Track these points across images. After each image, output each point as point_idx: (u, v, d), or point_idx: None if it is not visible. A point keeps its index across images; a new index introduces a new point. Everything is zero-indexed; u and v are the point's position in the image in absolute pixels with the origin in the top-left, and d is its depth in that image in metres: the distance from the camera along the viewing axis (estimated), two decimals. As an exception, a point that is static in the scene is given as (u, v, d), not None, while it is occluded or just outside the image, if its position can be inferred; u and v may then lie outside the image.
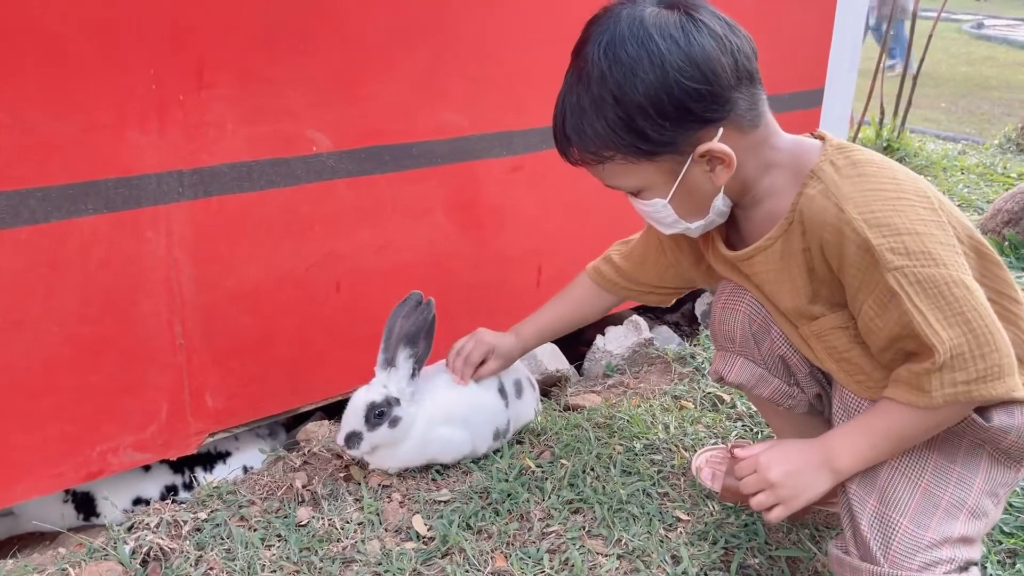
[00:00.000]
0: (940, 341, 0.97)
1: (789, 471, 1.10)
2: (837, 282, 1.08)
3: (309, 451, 1.58)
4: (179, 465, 1.58)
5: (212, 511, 1.41)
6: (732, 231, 1.24)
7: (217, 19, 1.34)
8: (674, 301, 1.54)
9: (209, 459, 1.61)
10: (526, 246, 1.87)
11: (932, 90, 7.29)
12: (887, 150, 3.96)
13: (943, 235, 0.99)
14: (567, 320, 1.57)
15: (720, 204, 1.12)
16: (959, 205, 3.26)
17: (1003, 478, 1.10)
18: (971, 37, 12.41)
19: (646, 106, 1.01)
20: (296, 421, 1.76)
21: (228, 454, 1.63)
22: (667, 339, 2.18)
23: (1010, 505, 1.42)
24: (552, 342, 1.98)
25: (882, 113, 4.14)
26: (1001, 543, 1.33)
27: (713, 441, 1.62)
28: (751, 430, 1.67)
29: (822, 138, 1.12)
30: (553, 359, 1.97)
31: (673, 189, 1.09)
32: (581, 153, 1.09)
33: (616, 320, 2.13)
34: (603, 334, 2.09)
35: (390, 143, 1.57)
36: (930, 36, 4.01)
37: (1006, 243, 2.63)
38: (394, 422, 1.41)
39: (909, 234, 0.98)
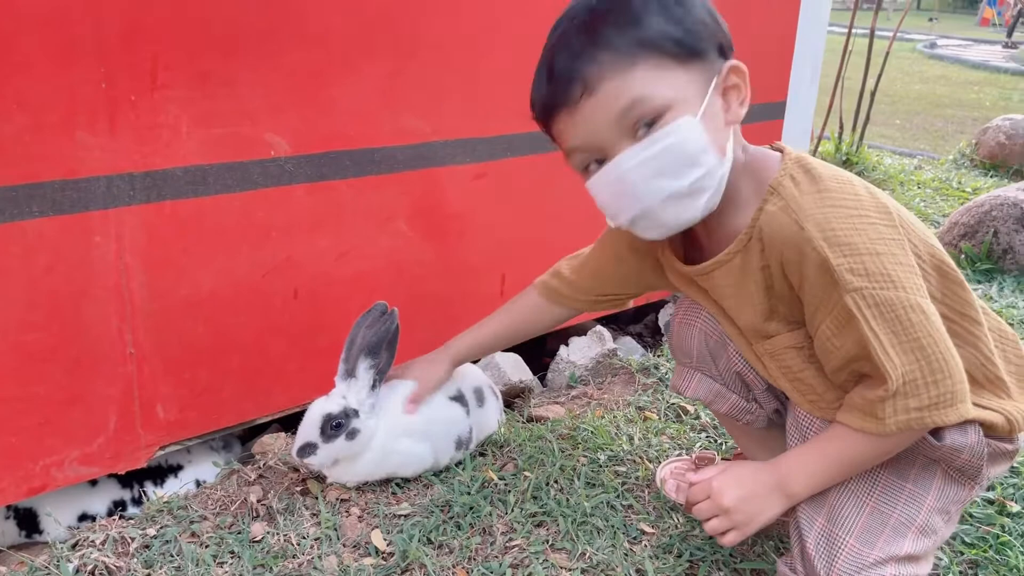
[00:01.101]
0: (893, 367, 0.97)
1: (742, 496, 1.09)
2: (796, 300, 1.07)
3: (265, 464, 1.53)
4: (128, 479, 1.52)
5: (162, 527, 1.35)
6: (689, 245, 1.22)
7: (173, 17, 1.30)
8: (631, 304, 1.52)
9: (160, 473, 1.55)
10: (490, 254, 1.85)
11: (888, 107, 7.43)
12: (846, 164, 4.01)
13: (902, 255, 0.99)
14: (509, 335, 1.53)
15: (730, 153, 1.03)
16: (916, 219, 3.31)
17: (956, 495, 1.10)
18: (925, 57, 12.71)
19: (687, 3, 0.99)
20: (252, 433, 1.71)
21: (180, 467, 1.57)
22: (631, 350, 2.17)
23: (970, 516, 1.42)
24: (516, 353, 1.96)
25: (841, 128, 4.20)
26: (963, 554, 1.33)
27: (677, 452, 1.60)
28: (715, 441, 1.66)
29: (781, 151, 1.10)
30: (516, 370, 1.94)
31: (704, 105, 0.98)
32: (606, 55, 0.96)
33: (580, 331, 2.11)
34: (567, 344, 2.07)
35: (351, 148, 1.54)
36: (886, 55, 4.08)
37: (962, 256, 2.67)
38: (352, 434, 1.37)
39: (869, 254, 0.97)
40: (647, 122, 0.97)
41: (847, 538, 1.05)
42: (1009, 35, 14.54)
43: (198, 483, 1.55)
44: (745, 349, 1.21)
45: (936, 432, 1.06)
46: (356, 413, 1.38)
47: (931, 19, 18.94)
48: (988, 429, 1.09)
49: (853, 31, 3.97)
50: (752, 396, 1.28)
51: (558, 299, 1.46)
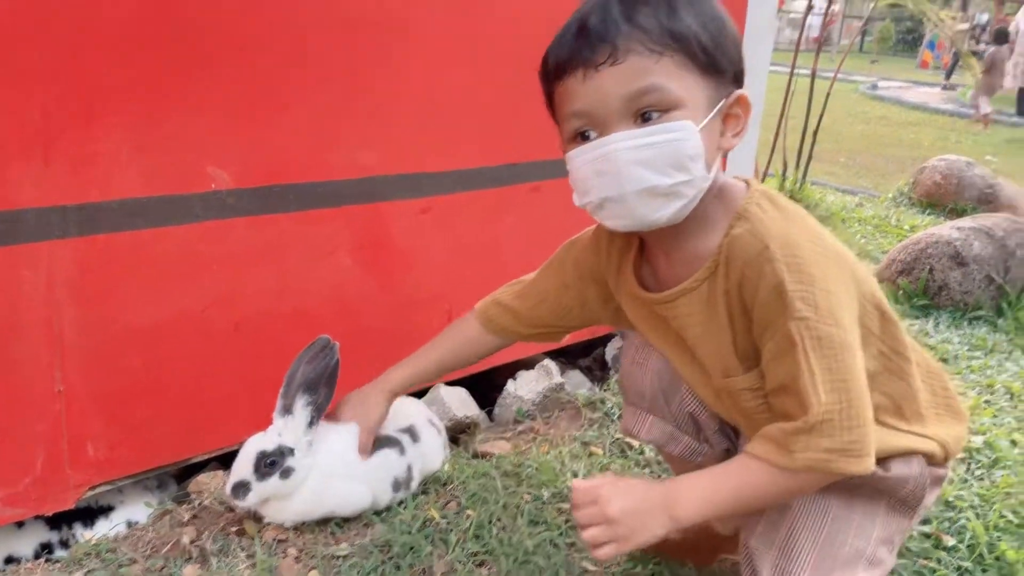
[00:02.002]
0: (818, 401, 0.97)
1: (628, 509, 1.03)
2: (751, 331, 1.07)
3: (200, 504, 1.49)
4: (56, 520, 1.46)
5: (89, 571, 1.31)
6: (646, 272, 1.20)
7: (111, 46, 1.28)
8: (564, 338, 1.49)
9: (90, 514, 1.50)
10: (435, 289, 1.84)
11: (831, 145, 7.64)
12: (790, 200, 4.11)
13: (848, 300, 1.00)
14: (447, 364, 1.50)
15: (714, 172, 1.03)
16: (857, 255, 3.39)
17: (899, 525, 1.12)
18: (866, 97, 13.14)
19: (724, 22, 1.01)
20: (189, 472, 1.66)
21: (111, 508, 1.52)
22: (578, 384, 2.17)
23: (908, 550, 1.44)
24: (462, 387, 1.95)
25: (785, 166, 4.31)
26: (900, 588, 1.35)
27: (621, 488, 1.60)
28: (659, 476, 1.66)
29: (747, 182, 1.10)
30: (462, 405, 1.93)
31: (709, 118, 0.99)
32: (641, 36, 0.96)
33: (528, 364, 2.11)
34: (514, 379, 2.07)
35: (294, 182, 1.53)
36: (827, 95, 4.21)
37: (900, 292, 2.74)
38: (286, 473, 1.34)
39: (822, 290, 0.97)
40: (653, 112, 0.98)
41: (802, 573, 1.04)
42: (947, 77, 15.11)
43: (129, 524, 1.50)
44: (702, 386, 1.20)
45: (883, 463, 1.08)
46: (292, 451, 1.35)
47: (872, 61, 19.61)
48: (929, 459, 1.11)
49: (796, 71, 4.09)
50: (704, 437, 1.28)
51: (496, 329, 1.43)
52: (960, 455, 1.75)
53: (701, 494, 1.04)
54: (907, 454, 1.09)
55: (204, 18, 1.36)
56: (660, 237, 1.11)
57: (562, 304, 1.36)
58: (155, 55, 1.33)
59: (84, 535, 1.46)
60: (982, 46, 11.37)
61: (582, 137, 1.02)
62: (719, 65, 1.00)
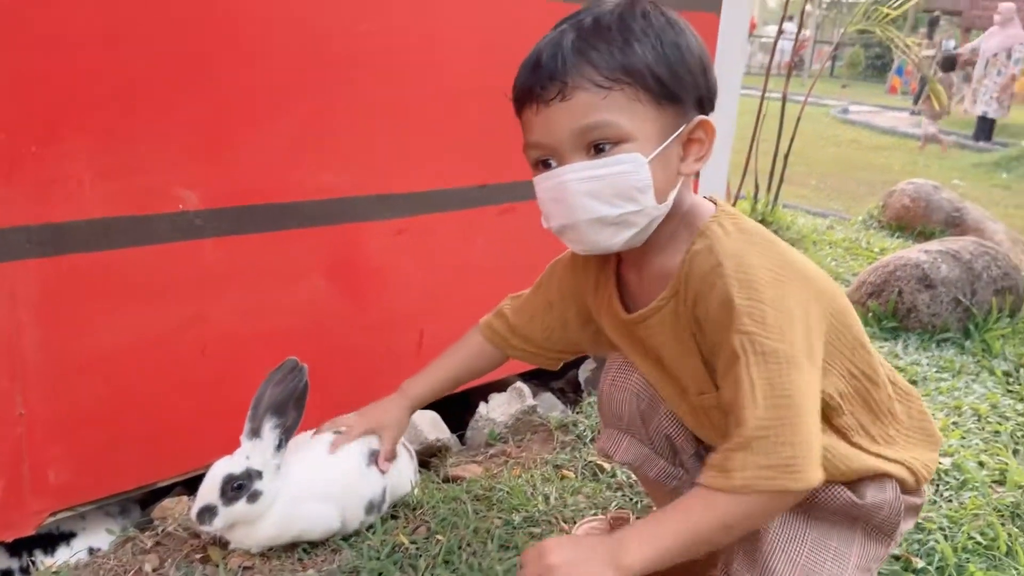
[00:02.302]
0: (755, 416, 0.95)
1: (569, 560, 0.98)
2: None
3: (163, 530, 1.46)
4: (16, 547, 1.43)
5: (48, 600, 1.27)
6: (623, 290, 1.21)
7: (76, 66, 1.27)
8: (560, 365, 1.50)
9: (51, 540, 1.46)
10: (408, 310, 1.83)
11: (803, 168, 7.74)
12: (762, 222, 4.13)
13: (804, 319, 1.00)
14: (458, 376, 1.50)
15: (670, 201, 1.05)
16: (828, 277, 3.42)
17: (875, 552, 1.12)
18: (838, 121, 13.34)
19: (683, 49, 1.02)
20: (153, 497, 1.63)
21: (72, 535, 1.48)
22: (551, 406, 2.16)
23: (878, 573, 1.44)
24: (433, 411, 1.94)
25: (756, 188, 4.35)
26: (870, 611, 1.35)
27: (593, 512, 1.59)
28: (631, 500, 1.66)
29: (715, 202, 1.12)
30: (434, 428, 1.91)
31: (659, 149, 1.01)
32: (589, 72, 0.99)
33: (500, 387, 2.10)
34: (486, 401, 2.05)
35: (264, 202, 1.51)
36: (798, 118, 4.27)
37: (870, 314, 2.77)
38: (253, 496, 1.32)
39: (772, 307, 0.98)
40: (605, 144, 1.00)
41: None
42: (916, 102, 15.38)
43: (91, 551, 1.47)
44: (680, 404, 1.20)
45: (857, 490, 1.09)
46: (259, 474, 1.33)
47: (843, 86, 19.95)
48: (900, 484, 1.12)
49: (767, 95, 4.14)
50: (679, 461, 1.28)
51: (499, 342, 1.43)
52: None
53: (645, 538, 0.99)
54: (880, 479, 1.10)
55: (173, 38, 1.35)
56: (631, 256, 1.14)
57: (546, 324, 1.37)
58: (123, 74, 1.31)
59: (45, 562, 1.43)
60: (939, 73, 11.64)
61: (544, 164, 1.05)
62: (675, 94, 1.02)
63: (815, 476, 0.96)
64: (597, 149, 1.01)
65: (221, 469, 1.33)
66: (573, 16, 1.05)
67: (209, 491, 1.32)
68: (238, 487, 1.32)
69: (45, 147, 1.26)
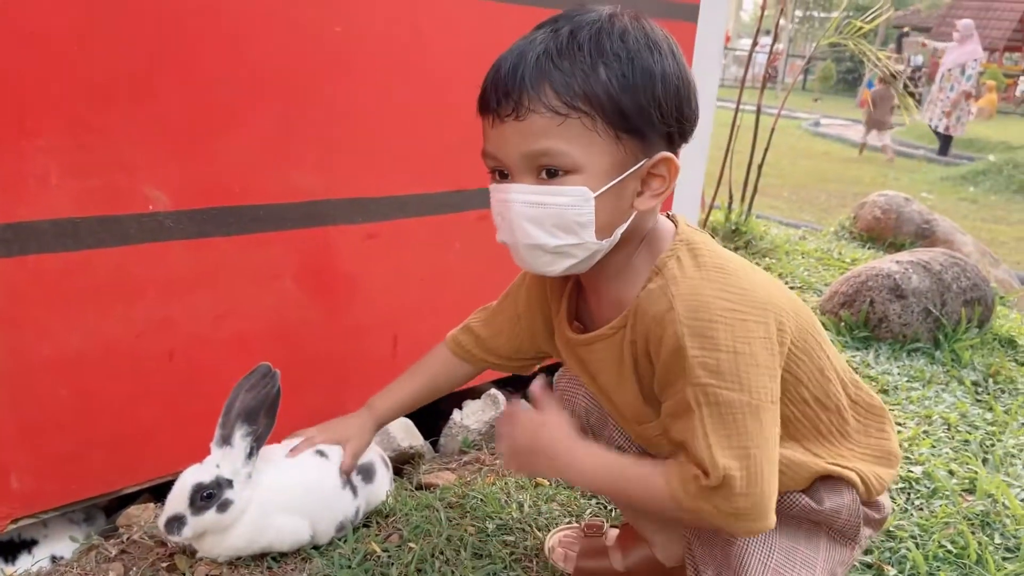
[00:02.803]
0: (715, 467, 0.96)
1: (526, 447, 1.14)
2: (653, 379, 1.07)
3: (128, 538, 1.42)
4: (-26, 556, 1.39)
5: (6, 610, 1.24)
6: (583, 309, 1.20)
7: (44, 62, 1.24)
8: (536, 368, 1.49)
9: (11, 548, 1.43)
10: (381, 316, 1.81)
11: (776, 180, 7.83)
12: (735, 233, 4.17)
13: (764, 355, 0.98)
14: (425, 392, 1.47)
15: (617, 236, 1.02)
16: (800, 287, 3.45)
17: (840, 557, 1.13)
18: (810, 134, 13.51)
19: (656, 77, 0.95)
20: (121, 504, 1.60)
21: (35, 542, 1.45)
22: (525, 414, 2.15)
23: (850, 580, 1.44)
24: (407, 417, 1.92)
25: (731, 198, 4.37)
26: (843, 619, 1.35)
27: (567, 520, 1.58)
28: (605, 507, 1.65)
29: (675, 223, 1.10)
30: (407, 435, 1.90)
31: (610, 184, 0.97)
32: (547, 95, 0.93)
33: (474, 394, 2.08)
34: (460, 408, 2.04)
35: (235, 204, 1.49)
36: (772, 131, 4.30)
37: (842, 323, 2.79)
38: (223, 506, 1.29)
39: (727, 352, 0.96)
40: (553, 170, 0.97)
41: None
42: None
43: (54, 559, 1.43)
44: (624, 424, 1.21)
45: (815, 497, 1.10)
46: (230, 483, 1.30)
47: (815, 99, 20.20)
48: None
49: (741, 107, 4.17)
50: None
51: (466, 356, 1.42)
52: (898, 485, 1.78)
53: (596, 474, 1.10)
54: (836, 485, 1.11)
55: (145, 36, 1.33)
56: (588, 279, 1.12)
57: (515, 335, 1.36)
58: (94, 70, 1.29)
59: (5, 570, 1.39)
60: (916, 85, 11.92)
61: (500, 175, 1.02)
62: (639, 128, 0.96)
63: (766, 524, 0.99)
64: (548, 173, 0.97)
65: (190, 478, 1.30)
66: (553, 21, 0.99)
67: (178, 500, 1.29)
68: (208, 496, 1.29)
69: (11, 143, 1.23)
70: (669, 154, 1.00)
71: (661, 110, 0.96)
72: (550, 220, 0.98)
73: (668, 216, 1.12)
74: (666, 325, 0.98)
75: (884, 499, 1.18)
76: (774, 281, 1.09)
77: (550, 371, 1.53)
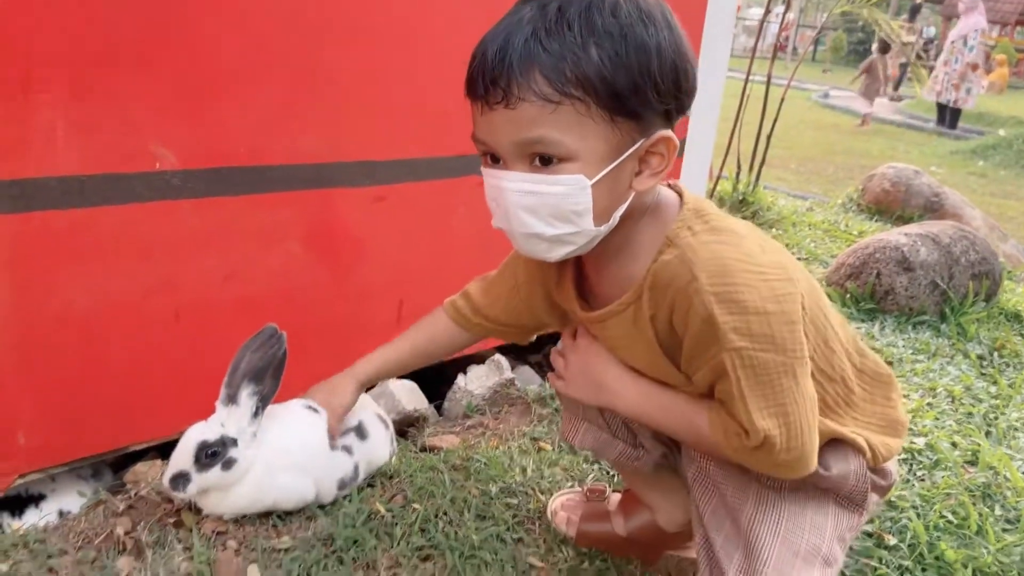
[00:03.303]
0: (755, 431, 0.98)
1: (576, 371, 1.20)
2: (680, 350, 1.06)
3: (136, 494, 1.44)
4: (-17, 510, 1.41)
5: (15, 563, 1.25)
6: (584, 287, 1.19)
7: (52, 18, 1.22)
8: (534, 337, 1.49)
9: (19, 503, 1.44)
10: (387, 280, 1.81)
11: (784, 151, 7.76)
12: (743, 203, 4.15)
13: (792, 312, 0.98)
14: (417, 357, 1.47)
15: (616, 218, 1.00)
16: (806, 258, 3.44)
17: (849, 522, 1.13)
18: (818, 105, 13.38)
19: (652, 54, 0.90)
20: (127, 461, 1.61)
21: (42, 497, 1.46)
22: (528, 379, 2.16)
23: (850, 549, 1.45)
24: (412, 381, 1.92)
25: (739, 169, 4.35)
26: (842, 586, 1.36)
27: (570, 484, 1.59)
28: (607, 473, 1.66)
29: (680, 193, 1.07)
30: (412, 398, 1.90)
31: (607, 170, 0.93)
32: (537, 82, 0.89)
33: (478, 359, 2.09)
34: (465, 373, 2.04)
35: (243, 165, 1.48)
36: (781, 101, 4.26)
37: (848, 295, 2.79)
38: (228, 464, 1.30)
39: (756, 313, 0.95)
40: (547, 157, 0.93)
41: (766, 571, 1.04)
42: (896, 88, 15.46)
43: (61, 514, 1.44)
44: None
45: (822, 462, 1.09)
46: (235, 442, 1.31)
47: (825, 70, 20.00)
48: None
49: (751, 78, 4.13)
50: (639, 442, 1.28)
51: (464, 323, 1.41)
52: (900, 456, 1.78)
53: (640, 405, 1.14)
54: (843, 450, 1.11)
55: (152, -9, 1.31)
56: (589, 257, 1.10)
57: (512, 305, 1.35)
58: (102, 26, 1.27)
59: (12, 525, 1.40)
60: (875, 55, 11.88)
61: (492, 158, 0.99)
62: (634, 109, 0.92)
63: (809, 469, 1.03)
64: (542, 160, 0.93)
65: (195, 435, 1.31)
66: (549, 3, 0.91)
67: (183, 457, 1.30)
68: (212, 454, 1.29)
69: (17, 99, 1.22)
70: (667, 132, 0.96)
71: (657, 88, 0.92)
72: (546, 210, 0.96)
73: (670, 186, 1.09)
74: (691, 296, 0.97)
75: (891, 466, 1.18)
76: (780, 246, 1.08)
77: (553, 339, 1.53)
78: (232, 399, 1.33)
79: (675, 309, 1.01)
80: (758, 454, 1.01)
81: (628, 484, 1.42)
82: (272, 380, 1.35)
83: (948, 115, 11.06)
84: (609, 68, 0.89)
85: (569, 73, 0.89)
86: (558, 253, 1.01)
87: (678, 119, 0.99)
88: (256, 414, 1.34)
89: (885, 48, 11.46)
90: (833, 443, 1.11)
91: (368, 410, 1.55)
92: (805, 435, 1.01)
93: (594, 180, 0.93)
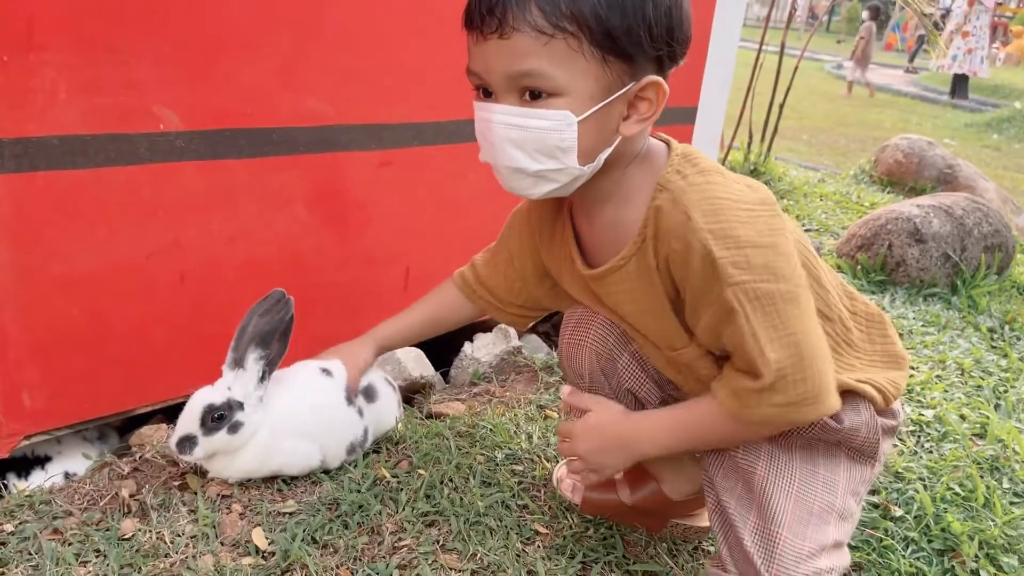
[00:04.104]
0: (767, 364, 0.97)
1: (594, 448, 1.17)
2: (684, 304, 1.06)
3: (141, 457, 1.44)
4: (-11, 471, 1.41)
5: (21, 523, 1.25)
6: (580, 246, 1.18)
7: (52, -27, 1.20)
8: (529, 325, 1.47)
9: (25, 464, 1.44)
10: (394, 246, 1.79)
11: (796, 123, 7.69)
12: (754, 173, 4.11)
13: (784, 244, 0.99)
14: (431, 326, 1.48)
15: (601, 161, 1.01)
16: (817, 229, 3.41)
17: (861, 475, 1.13)
18: (831, 76, 13.22)
19: (647, 1, 0.92)
20: (133, 424, 1.61)
21: (48, 459, 1.46)
22: (536, 348, 2.15)
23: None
24: (418, 348, 1.92)
25: (750, 138, 4.30)
26: (848, 556, 1.36)
27: (576, 452, 1.58)
28: (614, 441, 1.65)
29: (667, 143, 1.08)
30: (418, 365, 1.90)
31: (595, 109, 0.95)
32: (532, 13, 0.90)
33: (485, 327, 2.08)
34: (471, 341, 2.04)
35: (247, 127, 1.46)
36: (795, 71, 4.21)
37: (859, 267, 2.76)
38: (234, 427, 1.30)
39: (753, 247, 0.96)
40: (537, 91, 0.94)
41: (781, 531, 1.04)
42: (911, 60, 15.27)
43: (67, 476, 1.45)
44: (655, 356, 1.19)
45: (834, 415, 1.08)
46: (241, 405, 1.30)
47: (839, 41, 19.75)
48: (870, 404, 1.12)
49: (764, 48, 4.07)
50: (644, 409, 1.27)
51: (469, 294, 1.42)
52: (908, 428, 1.77)
53: (662, 435, 1.13)
54: (853, 401, 1.10)
55: (155, -53, 1.29)
56: (581, 204, 1.11)
57: (509, 277, 1.36)
58: (101, -17, 1.25)
59: (18, 486, 1.41)
60: (865, 21, 11.85)
61: (484, 92, 1.00)
62: (627, 50, 0.93)
63: (830, 404, 1.00)
64: (532, 95, 0.95)
65: (202, 399, 1.30)
66: None
67: (189, 420, 1.30)
68: (219, 417, 1.29)
69: (19, 57, 1.20)
70: (658, 78, 0.97)
71: (651, 32, 0.93)
72: (531, 144, 0.97)
73: (659, 137, 1.10)
74: (688, 235, 0.97)
75: (897, 405, 1.17)
76: (765, 187, 1.07)
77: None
78: (239, 363, 1.32)
79: (672, 254, 1.01)
80: (774, 395, 0.98)
81: None
82: (279, 344, 1.34)
83: (957, 85, 10.99)
84: (604, 7, 0.91)
85: (564, 7, 0.90)
86: (540, 190, 1.02)
87: (671, 67, 1.00)
88: (263, 378, 1.33)
89: (875, 14, 11.43)
90: (843, 395, 1.10)
91: (375, 373, 1.55)
92: (817, 360, 0.98)
93: (581, 117, 0.95)
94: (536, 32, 0.91)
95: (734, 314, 0.97)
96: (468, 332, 2.04)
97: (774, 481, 1.08)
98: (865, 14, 12.07)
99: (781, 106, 4.19)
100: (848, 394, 1.10)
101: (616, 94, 0.96)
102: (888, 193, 4.24)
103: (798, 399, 0.98)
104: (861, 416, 1.10)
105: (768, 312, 0.96)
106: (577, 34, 0.91)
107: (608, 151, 1.00)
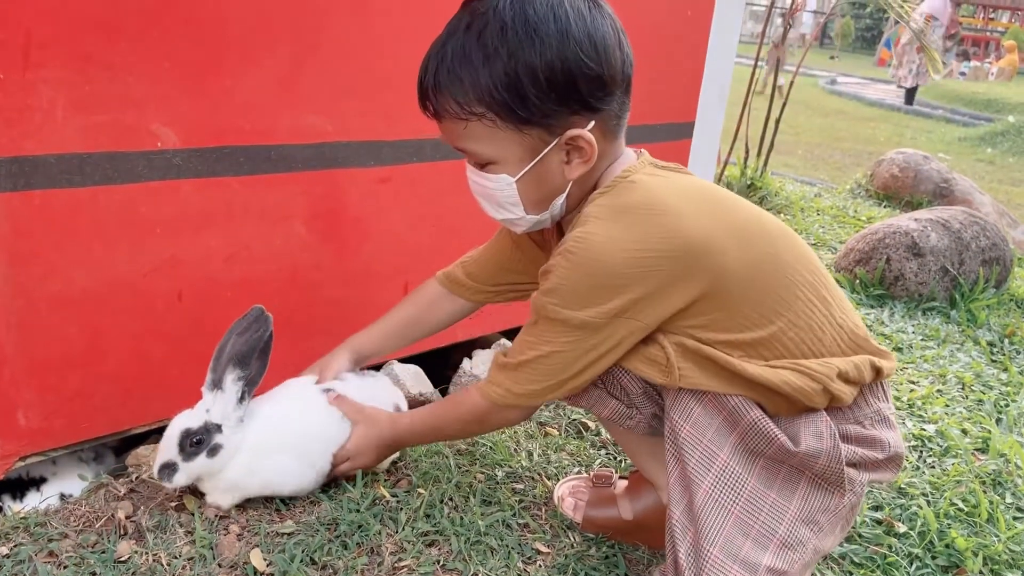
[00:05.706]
0: (514, 353, 1.16)
1: (374, 458, 1.40)
2: None
3: (137, 478, 1.42)
4: (-16, 492, 1.39)
5: (16, 545, 1.24)
6: None
7: (50, -8, 1.20)
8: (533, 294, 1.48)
9: (20, 486, 1.43)
10: (392, 262, 1.78)
11: (791, 138, 7.72)
12: (751, 188, 4.12)
13: (633, 287, 1.05)
14: (409, 328, 1.52)
15: (559, 205, 1.14)
16: (815, 244, 3.41)
17: (823, 504, 1.11)
18: (826, 92, 13.29)
19: (538, 69, 1.01)
20: (130, 444, 1.59)
21: (43, 480, 1.45)
22: (534, 365, 2.14)
23: (859, 536, 1.43)
24: (417, 365, 1.90)
25: (747, 154, 4.32)
26: (851, 574, 1.35)
27: (577, 469, 1.57)
28: (615, 458, 1.64)
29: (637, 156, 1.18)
30: (417, 382, 1.88)
31: (527, 169, 1.09)
32: (448, 104, 1.06)
33: (484, 344, 2.07)
34: (470, 358, 2.02)
35: (245, 144, 1.46)
36: (790, 86, 4.23)
37: (857, 281, 2.76)
38: (213, 451, 1.27)
39: (581, 273, 1.06)
40: (479, 164, 1.11)
41: (711, 549, 1.05)
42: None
43: (62, 497, 1.43)
44: None
45: (792, 432, 1.09)
46: (219, 428, 1.28)
47: (832, 57, 19.88)
48: (834, 401, 1.11)
49: (759, 64, 4.09)
50: (631, 401, 1.26)
51: (458, 289, 1.47)
52: (910, 443, 1.76)
53: (417, 426, 1.35)
54: (816, 425, 1.09)
55: (153, -35, 1.29)
56: (567, 225, 1.21)
57: (517, 260, 1.43)
58: (99, 5, 1.25)
59: (13, 508, 1.39)
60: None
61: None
62: (532, 118, 1.04)
63: (509, 416, 1.23)
64: (476, 163, 1.12)
65: (179, 424, 1.29)
66: (457, 25, 1.06)
67: (168, 447, 1.28)
68: (197, 442, 1.27)
69: (16, 75, 1.20)
70: (578, 131, 1.07)
71: (552, 96, 1.03)
72: (489, 198, 1.16)
73: (637, 153, 1.18)
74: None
75: (886, 435, 1.15)
76: (718, 212, 1.10)
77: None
78: (217, 384, 1.30)
79: None
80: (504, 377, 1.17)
81: (628, 454, 1.40)
82: (258, 363, 1.32)
83: (909, 95, 11.65)
84: (501, 87, 1.02)
85: (471, 95, 1.04)
86: (518, 229, 1.23)
87: (603, 109, 1.08)
88: (242, 399, 1.31)
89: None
90: (807, 417, 1.09)
91: (393, 398, 1.52)
92: (549, 382, 1.15)
93: (516, 177, 1.10)
94: (455, 119, 1.07)
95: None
96: (467, 349, 2.03)
97: (717, 498, 1.08)
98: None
99: (777, 121, 4.21)
100: (811, 418, 1.10)
101: (542, 153, 1.08)
102: (885, 207, 4.25)
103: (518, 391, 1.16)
104: (823, 444, 1.08)
105: (538, 325, 1.13)
106: (487, 114, 1.04)
107: (563, 196, 1.14)
